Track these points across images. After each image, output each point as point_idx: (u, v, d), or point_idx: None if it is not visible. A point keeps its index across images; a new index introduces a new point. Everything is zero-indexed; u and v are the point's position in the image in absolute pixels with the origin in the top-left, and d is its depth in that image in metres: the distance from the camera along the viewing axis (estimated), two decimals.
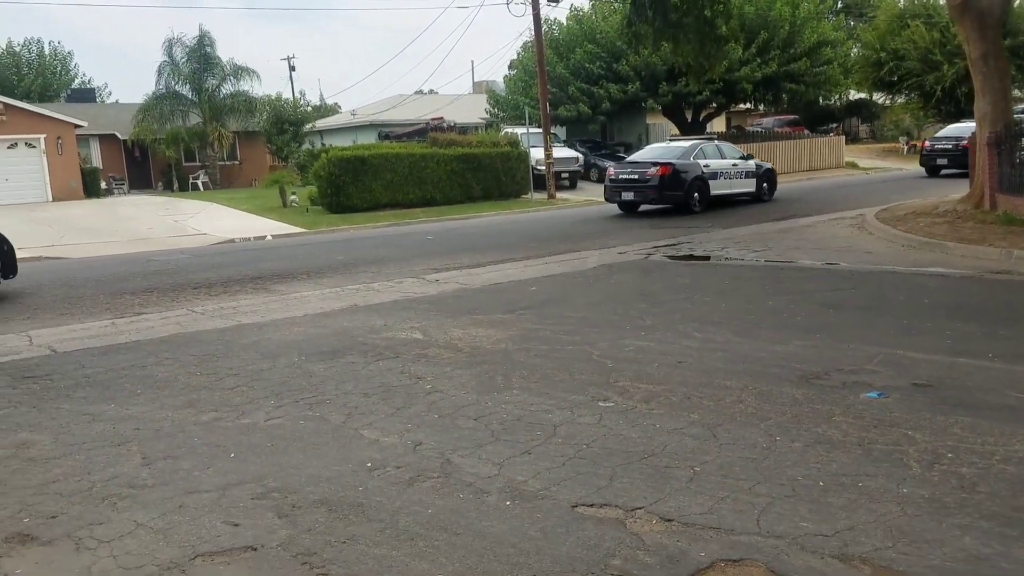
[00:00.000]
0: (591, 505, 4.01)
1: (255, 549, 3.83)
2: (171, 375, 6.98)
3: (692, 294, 9.40)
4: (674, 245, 13.87)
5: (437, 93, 49.23)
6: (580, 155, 30.24)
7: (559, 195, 26.40)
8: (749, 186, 21.13)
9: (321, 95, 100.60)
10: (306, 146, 37.41)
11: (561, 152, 28.46)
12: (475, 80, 60.91)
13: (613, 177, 20.18)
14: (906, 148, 41.40)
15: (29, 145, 31.36)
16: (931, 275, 9.91)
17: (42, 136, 31.41)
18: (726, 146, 22.03)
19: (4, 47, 52.70)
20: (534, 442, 4.89)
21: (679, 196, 19.30)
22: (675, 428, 4.97)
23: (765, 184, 21.62)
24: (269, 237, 19.99)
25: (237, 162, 41.04)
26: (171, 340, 8.39)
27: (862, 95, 47.60)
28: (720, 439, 4.75)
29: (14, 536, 4.04)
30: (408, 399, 5.90)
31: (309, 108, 49.84)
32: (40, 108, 33.57)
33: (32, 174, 31.27)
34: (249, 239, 19.80)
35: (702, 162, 19.92)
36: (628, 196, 19.81)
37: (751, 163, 21.41)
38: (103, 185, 34.73)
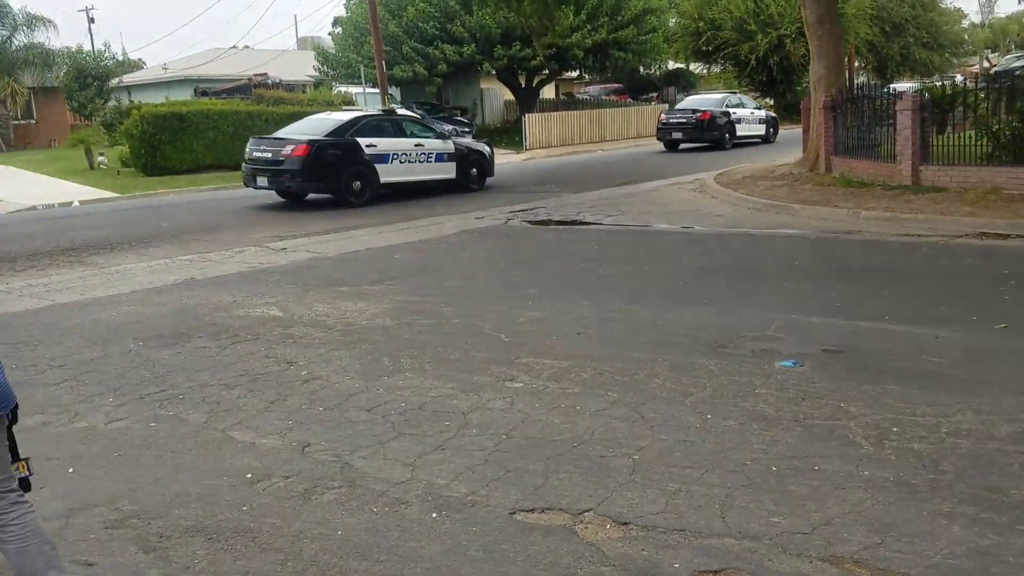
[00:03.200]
0: (532, 510, 3.48)
1: None
2: None
3: (566, 260, 9.03)
4: (530, 210, 13.49)
5: (249, 48, 46.04)
6: (419, 117, 29.32)
7: None
8: (761, 130, 26.56)
9: (124, 49, 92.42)
10: (112, 103, 33.99)
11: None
12: (299, 36, 57.76)
13: (664, 121, 25.38)
14: None
15: None
16: (788, 236, 10.07)
17: None
18: (746, 98, 27.87)
19: None
20: (445, 435, 4.28)
21: (716, 135, 24.50)
22: (598, 410, 4.52)
23: (771, 129, 27.04)
24: (77, 203, 17.84)
25: (34, 121, 36.72)
26: None
27: (680, 65, 49.27)
28: (648, 420, 4.34)
29: None
30: (281, 389, 5.10)
31: (112, 63, 45.30)
32: None
33: None
34: (53, 206, 17.58)
35: (731, 111, 25.11)
36: (677, 135, 24.88)
37: (762, 112, 27.27)
38: None
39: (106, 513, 3.64)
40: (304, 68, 36.19)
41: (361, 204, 14.38)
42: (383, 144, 14.89)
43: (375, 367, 5.42)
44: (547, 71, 34.38)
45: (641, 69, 44.67)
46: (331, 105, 24.86)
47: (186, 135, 21.55)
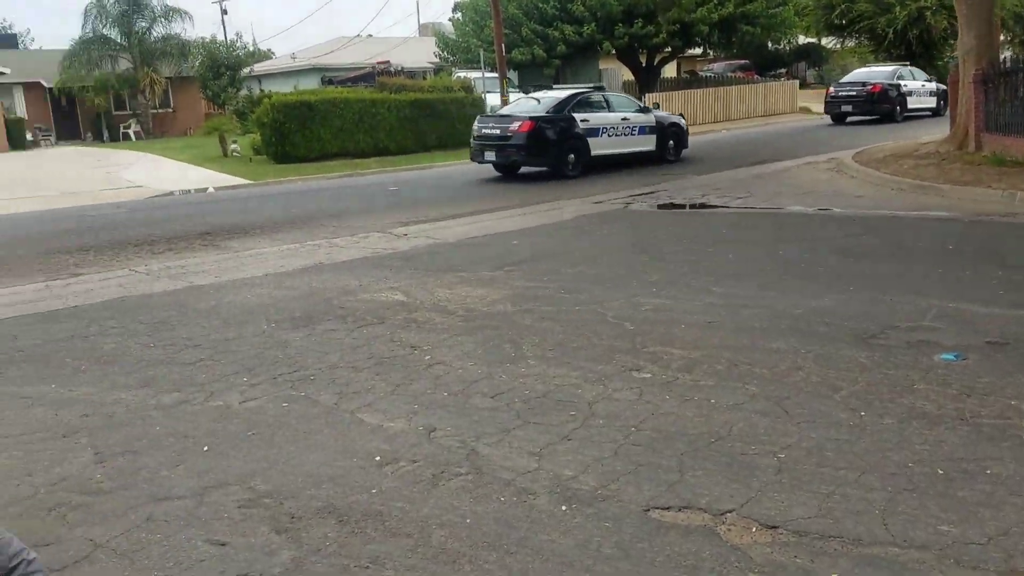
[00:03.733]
0: (668, 508, 3.27)
1: None
2: (120, 347, 6.02)
3: (692, 245, 8.68)
4: (651, 193, 13.14)
5: (373, 37, 47.02)
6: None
7: None
8: (932, 103, 25.91)
9: (254, 40, 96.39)
10: (244, 92, 35.50)
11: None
12: (420, 23, 58.60)
13: (833, 94, 25.36)
14: None
15: None
16: (939, 219, 9.38)
17: None
18: (916, 71, 27.03)
19: None
20: (571, 424, 4.13)
21: (887, 108, 24.27)
22: (735, 403, 4.25)
23: (942, 102, 25.36)
24: (211, 189, 18.69)
25: (171, 109, 38.87)
26: (115, 305, 7.38)
27: (811, 39, 47.16)
28: (794, 416, 4.05)
29: None
30: (407, 373, 5.07)
31: (243, 53, 47.32)
32: None
33: None
34: (190, 192, 18.47)
35: (901, 83, 24.92)
36: (847, 108, 24.75)
37: (933, 85, 26.52)
38: (29, 136, 32.50)
39: (239, 492, 3.67)
40: (425, 55, 36.67)
41: (575, 176, 15.19)
42: (594, 119, 15.72)
43: (497, 353, 5.32)
44: (669, 48, 33.44)
45: (769, 44, 43.01)
46: (449, 91, 25.07)
47: (313, 123, 22.17)
